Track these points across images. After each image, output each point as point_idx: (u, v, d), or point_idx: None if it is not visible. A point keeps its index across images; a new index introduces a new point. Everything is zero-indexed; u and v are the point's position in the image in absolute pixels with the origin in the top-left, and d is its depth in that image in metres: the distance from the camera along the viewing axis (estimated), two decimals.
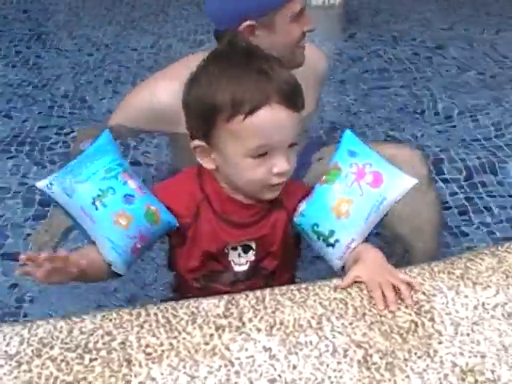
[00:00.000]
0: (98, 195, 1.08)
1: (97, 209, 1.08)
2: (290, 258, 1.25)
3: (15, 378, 0.89)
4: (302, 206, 1.17)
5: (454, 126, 2.49)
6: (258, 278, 1.20)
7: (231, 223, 1.16)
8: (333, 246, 1.15)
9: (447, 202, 1.97)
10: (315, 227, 1.16)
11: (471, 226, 1.87)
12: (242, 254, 1.18)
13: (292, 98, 1.07)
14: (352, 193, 1.13)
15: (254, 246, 1.18)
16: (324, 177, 1.17)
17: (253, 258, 1.19)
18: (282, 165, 1.08)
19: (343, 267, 1.17)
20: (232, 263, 1.19)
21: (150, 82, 1.59)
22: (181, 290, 1.26)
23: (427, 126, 2.51)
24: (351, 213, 1.12)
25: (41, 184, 1.10)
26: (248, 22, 1.45)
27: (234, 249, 1.18)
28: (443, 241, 1.76)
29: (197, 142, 1.12)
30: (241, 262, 1.19)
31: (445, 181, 2.07)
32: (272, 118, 1.05)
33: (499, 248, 1.17)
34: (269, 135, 1.06)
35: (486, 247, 1.20)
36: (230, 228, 1.16)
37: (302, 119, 1.12)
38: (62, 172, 1.11)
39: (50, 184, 1.09)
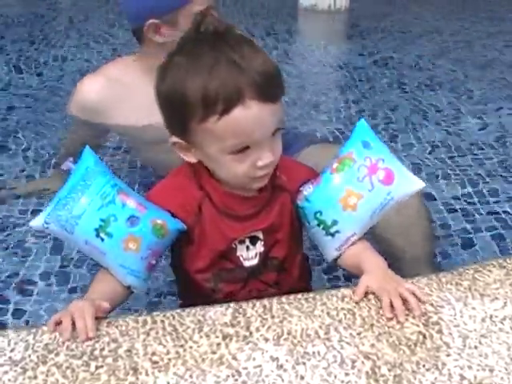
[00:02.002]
0: (101, 226, 1.05)
1: (103, 240, 1.06)
2: (296, 247, 1.23)
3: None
4: (308, 191, 1.15)
5: (462, 130, 2.50)
6: (269, 271, 1.19)
7: (235, 217, 1.14)
8: (332, 235, 1.14)
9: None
10: (318, 214, 1.14)
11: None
12: (251, 247, 1.16)
13: (268, 90, 1.00)
14: (363, 187, 1.11)
15: (261, 235, 1.16)
16: (336, 164, 1.14)
17: (262, 248, 1.16)
18: (266, 158, 1.04)
19: (335, 260, 1.17)
20: (241, 258, 1.16)
21: (83, 79, 1.81)
22: (189, 295, 1.25)
23: (433, 129, 2.51)
24: (358, 207, 1.12)
25: (36, 223, 1.09)
26: (152, 21, 1.61)
27: (242, 242, 1.15)
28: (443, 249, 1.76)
29: (174, 139, 1.08)
30: (250, 256, 1.16)
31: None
32: (248, 117, 0.99)
33: (507, 260, 1.17)
34: (247, 133, 1.01)
35: (493, 258, 1.19)
36: (234, 222, 1.14)
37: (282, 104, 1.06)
38: (54, 207, 1.08)
39: (46, 223, 1.07)
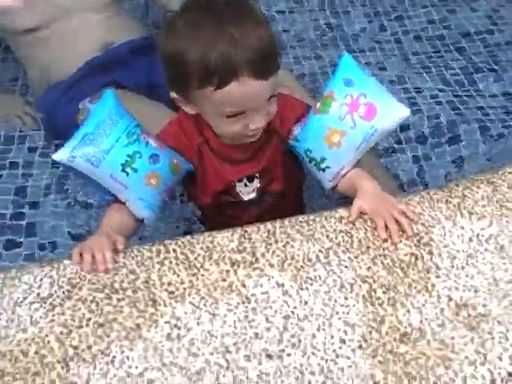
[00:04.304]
0: (127, 161, 1.13)
1: (128, 175, 1.13)
2: (294, 180, 1.31)
3: (51, 321, 0.98)
4: (297, 130, 1.21)
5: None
6: (267, 201, 1.28)
7: (231, 161, 1.23)
8: (323, 170, 1.22)
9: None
10: (308, 152, 1.21)
11: None
12: (248, 184, 1.26)
13: (262, 67, 1.05)
14: (344, 125, 1.16)
15: (257, 174, 1.25)
16: (318, 105, 1.19)
17: (258, 185, 1.26)
18: (258, 122, 1.12)
19: (333, 188, 1.25)
20: (241, 194, 1.26)
21: None
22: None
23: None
24: (342, 144, 1.17)
25: (60, 156, 1.13)
26: None
27: (240, 180, 1.25)
28: None
29: (174, 95, 1.14)
30: (248, 191, 1.26)
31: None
32: (242, 91, 1.05)
33: (495, 175, 1.23)
34: (241, 104, 1.08)
35: (482, 173, 1.25)
36: (230, 166, 1.24)
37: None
38: (80, 142, 1.13)
39: (72, 157, 1.11)
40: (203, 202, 1.29)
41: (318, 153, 1.19)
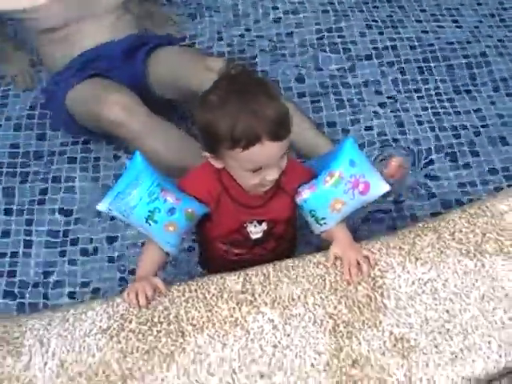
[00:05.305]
0: (149, 215, 1.49)
1: (150, 225, 1.50)
2: (292, 225, 1.69)
3: (111, 348, 1.41)
4: (306, 195, 1.55)
5: None
6: (270, 241, 1.66)
7: (245, 206, 1.57)
8: (320, 224, 1.59)
9: None
10: (312, 212, 1.58)
11: None
12: (257, 225, 1.61)
13: (280, 132, 1.39)
14: (346, 197, 1.54)
15: (265, 219, 1.61)
16: (328, 178, 1.53)
17: (265, 227, 1.62)
18: (272, 175, 1.46)
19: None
20: (250, 233, 1.62)
21: None
22: (207, 255, 1.74)
23: None
24: (342, 210, 1.55)
25: (101, 208, 1.53)
26: None
27: (251, 222, 1.60)
28: None
29: (206, 154, 1.49)
30: (257, 231, 1.62)
31: None
32: (264, 152, 1.39)
33: (441, 223, 1.60)
34: (261, 162, 1.42)
35: (430, 220, 1.62)
36: (245, 209, 1.57)
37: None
38: (114, 199, 1.50)
39: (109, 209, 1.52)
40: (214, 236, 1.64)
41: (321, 214, 1.57)
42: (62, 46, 2.31)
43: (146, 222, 1.51)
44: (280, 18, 2.72)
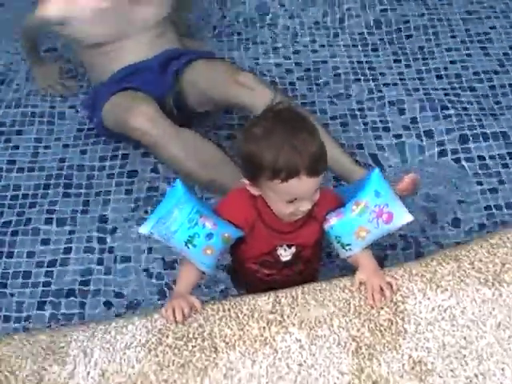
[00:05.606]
0: (188, 240, 1.60)
1: (189, 248, 1.62)
2: (319, 249, 1.80)
3: (149, 360, 1.53)
4: (334, 221, 1.66)
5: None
6: (298, 264, 1.76)
7: (278, 231, 1.68)
8: (346, 250, 1.69)
9: None
10: (338, 238, 1.68)
11: None
12: (287, 249, 1.71)
13: (316, 169, 1.50)
14: (371, 225, 1.64)
15: (295, 243, 1.72)
16: (354, 207, 1.63)
17: (294, 250, 1.72)
18: (306, 206, 1.57)
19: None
20: (280, 256, 1.72)
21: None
22: (240, 273, 1.85)
23: None
24: (366, 238, 1.65)
25: (143, 231, 1.64)
26: None
27: (281, 246, 1.71)
28: None
29: (246, 182, 1.60)
30: (286, 255, 1.72)
31: None
32: (300, 186, 1.50)
33: (462, 252, 1.69)
34: (298, 194, 1.53)
35: (453, 249, 1.71)
36: (277, 234, 1.68)
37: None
38: (156, 223, 1.61)
39: (151, 233, 1.63)
40: (247, 257, 1.76)
41: (346, 240, 1.67)
42: (104, 60, 2.51)
43: (186, 245, 1.62)
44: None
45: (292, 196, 1.53)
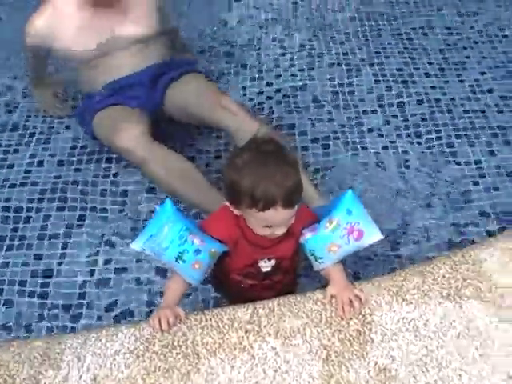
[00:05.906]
0: (179, 256, 1.74)
1: (179, 263, 1.75)
2: (296, 261, 1.94)
3: (137, 366, 1.67)
4: (308, 236, 1.80)
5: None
6: (277, 274, 1.90)
7: (259, 246, 1.82)
8: (319, 262, 1.83)
9: None
10: (311, 251, 1.82)
11: None
12: (267, 261, 1.86)
13: (292, 200, 1.64)
14: (342, 242, 1.77)
15: (274, 257, 1.86)
16: (327, 224, 1.77)
17: (274, 262, 1.86)
18: (281, 230, 1.72)
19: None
20: (261, 268, 1.86)
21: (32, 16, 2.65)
22: (223, 285, 1.99)
23: None
24: (337, 253, 1.79)
25: (135, 247, 1.78)
26: None
27: (262, 259, 1.85)
28: None
29: (228, 204, 1.74)
30: (267, 266, 1.86)
31: None
32: (276, 216, 1.64)
33: (427, 268, 1.83)
34: (273, 223, 1.67)
35: (419, 265, 1.86)
36: (258, 249, 1.83)
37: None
38: (147, 239, 1.76)
39: (143, 249, 1.76)
40: (231, 269, 1.90)
41: (319, 254, 1.81)
42: (95, 73, 2.69)
43: (176, 260, 1.76)
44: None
45: (268, 223, 1.67)
